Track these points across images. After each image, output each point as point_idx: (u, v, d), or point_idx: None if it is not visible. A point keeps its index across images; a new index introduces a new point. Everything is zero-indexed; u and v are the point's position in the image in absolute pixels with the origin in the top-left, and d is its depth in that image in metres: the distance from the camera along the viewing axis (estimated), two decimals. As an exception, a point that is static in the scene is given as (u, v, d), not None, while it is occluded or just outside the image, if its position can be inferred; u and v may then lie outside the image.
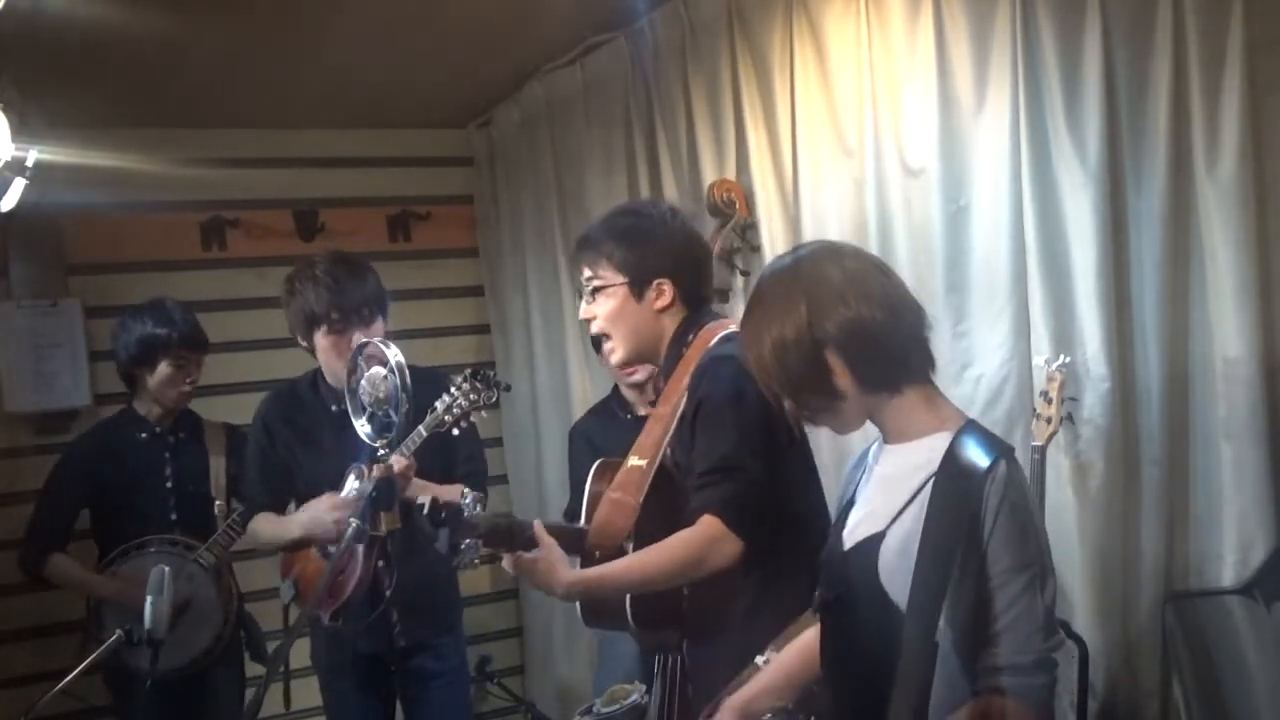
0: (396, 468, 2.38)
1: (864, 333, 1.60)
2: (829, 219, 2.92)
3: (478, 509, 1.97)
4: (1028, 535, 1.55)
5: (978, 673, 1.53)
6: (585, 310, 2.27)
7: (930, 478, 1.57)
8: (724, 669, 2.01)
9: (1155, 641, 2.39)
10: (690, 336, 2.22)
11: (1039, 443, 2.34)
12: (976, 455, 1.55)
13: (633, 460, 2.21)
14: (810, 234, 2.95)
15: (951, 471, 1.55)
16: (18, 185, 2.72)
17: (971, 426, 1.62)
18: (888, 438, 1.69)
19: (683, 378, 2.18)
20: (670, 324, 2.24)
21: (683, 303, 2.24)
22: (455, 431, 2.54)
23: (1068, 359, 2.36)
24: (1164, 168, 2.29)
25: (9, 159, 2.65)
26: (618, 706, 2.00)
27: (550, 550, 2.02)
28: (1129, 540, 2.42)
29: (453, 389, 2.50)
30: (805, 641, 1.87)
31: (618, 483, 2.20)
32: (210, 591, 3.34)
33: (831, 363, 1.60)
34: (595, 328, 2.27)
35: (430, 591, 2.98)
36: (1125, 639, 2.43)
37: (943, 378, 2.61)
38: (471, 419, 2.56)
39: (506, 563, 2.04)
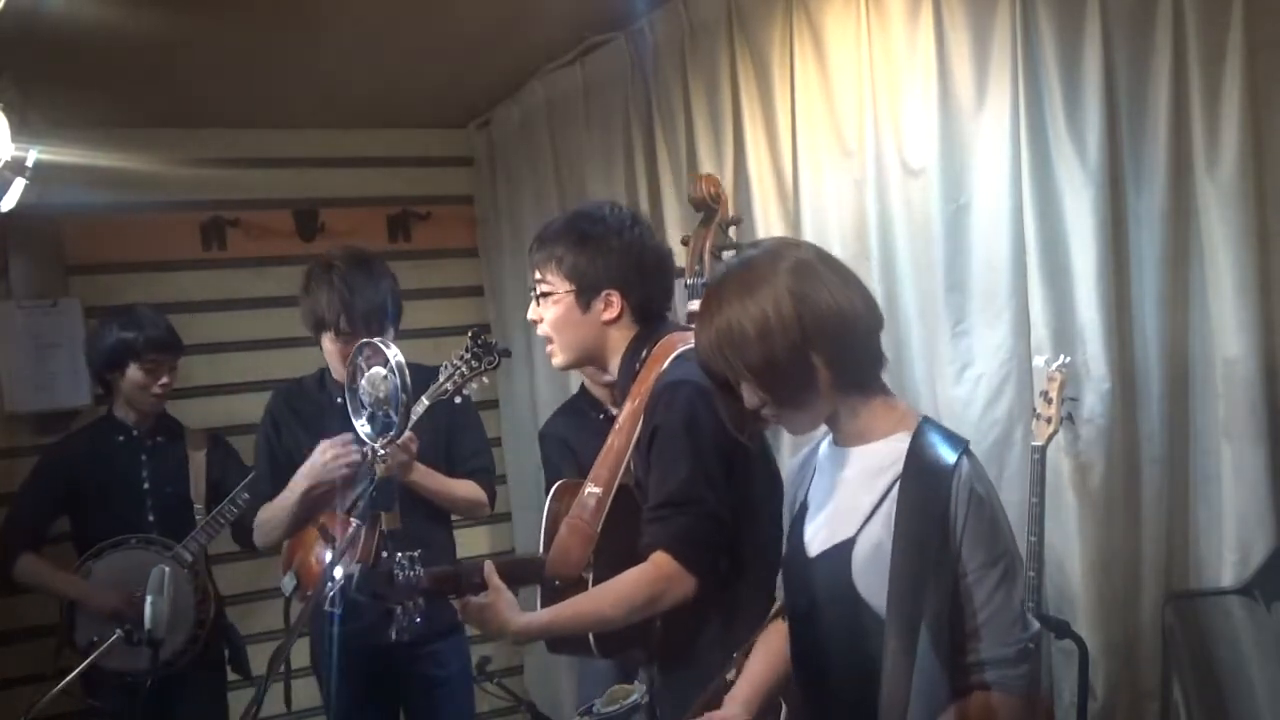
0: (398, 445, 2.36)
1: (848, 329, 1.59)
2: (829, 219, 2.92)
3: (416, 569, 1.91)
4: (998, 527, 1.55)
5: (960, 669, 1.53)
6: (533, 312, 2.21)
7: (897, 479, 1.56)
8: (696, 688, 1.96)
9: (1155, 641, 2.40)
10: (644, 353, 2.13)
11: (1039, 443, 2.33)
12: (940, 453, 1.55)
13: (589, 488, 2.14)
14: (810, 234, 2.94)
15: (918, 472, 1.55)
16: (18, 185, 2.73)
17: (928, 424, 1.61)
18: (845, 440, 1.66)
19: (637, 398, 2.11)
20: (620, 336, 2.16)
21: (634, 316, 2.15)
22: (457, 399, 2.51)
23: (1068, 359, 2.36)
24: (1164, 167, 2.29)
25: (9, 159, 2.65)
26: (618, 706, 1.99)
27: (499, 594, 1.95)
28: (1129, 540, 2.42)
29: (454, 356, 2.49)
30: (770, 651, 1.84)
31: (576, 509, 2.14)
32: (185, 591, 3.29)
33: (814, 358, 1.58)
34: (540, 331, 2.21)
35: None
36: (1125, 639, 2.43)
37: (943, 378, 2.66)
38: (474, 410, 2.53)
39: (457, 607, 1.98)
